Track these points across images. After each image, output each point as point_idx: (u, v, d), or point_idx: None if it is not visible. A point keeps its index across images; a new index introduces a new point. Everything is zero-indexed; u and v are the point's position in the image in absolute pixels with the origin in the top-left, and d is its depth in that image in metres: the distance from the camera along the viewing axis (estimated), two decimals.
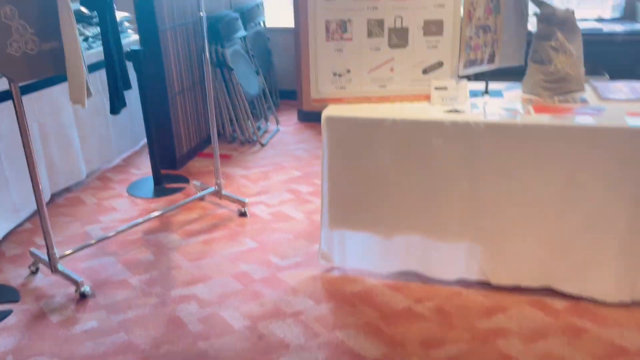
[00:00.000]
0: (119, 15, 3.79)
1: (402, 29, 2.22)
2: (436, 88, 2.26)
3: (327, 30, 2.22)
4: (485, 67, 2.32)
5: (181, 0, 3.50)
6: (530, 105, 2.20)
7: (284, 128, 4.42)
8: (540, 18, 2.24)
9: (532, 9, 2.33)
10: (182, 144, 3.65)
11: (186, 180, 3.43)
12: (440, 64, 2.27)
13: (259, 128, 4.33)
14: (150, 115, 3.21)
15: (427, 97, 2.29)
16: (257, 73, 4.32)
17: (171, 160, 3.58)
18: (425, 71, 2.28)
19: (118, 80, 2.41)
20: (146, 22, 3.23)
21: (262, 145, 4.03)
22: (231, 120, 4.07)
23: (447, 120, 2.09)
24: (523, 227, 2.15)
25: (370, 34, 2.22)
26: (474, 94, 2.37)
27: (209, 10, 3.90)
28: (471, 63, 2.27)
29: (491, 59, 2.32)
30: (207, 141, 4.04)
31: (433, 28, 2.22)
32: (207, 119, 4.04)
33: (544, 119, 2.05)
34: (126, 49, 2.97)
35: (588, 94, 2.33)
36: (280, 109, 4.95)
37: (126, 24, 3.84)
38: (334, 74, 2.27)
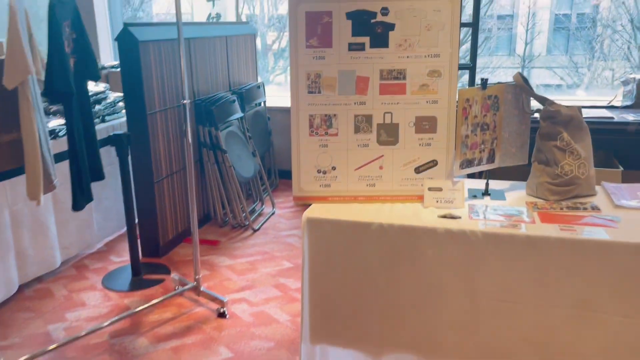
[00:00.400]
0: (114, 95, 3.73)
1: (392, 125, 2.05)
2: (430, 189, 2.05)
3: (311, 125, 2.05)
4: (484, 167, 2.12)
5: (174, 83, 3.43)
6: (535, 211, 1.97)
7: (280, 211, 4.22)
8: (544, 116, 2.06)
9: (534, 104, 2.16)
10: (168, 230, 3.45)
11: (167, 271, 3.20)
12: (434, 163, 2.08)
13: (253, 211, 4.14)
14: (132, 202, 3.04)
15: (420, 198, 2.07)
16: (254, 154, 4.19)
17: (154, 247, 3.36)
18: (418, 170, 2.08)
19: (83, 174, 2.25)
20: (134, 105, 3.13)
21: (254, 230, 3.82)
22: (223, 204, 3.89)
23: (441, 228, 1.86)
24: (528, 351, 1.85)
25: (357, 129, 2.05)
26: (473, 193, 2.15)
27: (205, 92, 3.83)
28: (468, 163, 2.07)
29: (491, 158, 2.13)
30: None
31: (426, 125, 2.05)
32: (197, 204, 3.86)
33: (551, 229, 1.81)
34: (118, 130, 2.85)
35: (600, 199, 2.10)
36: (279, 189, 4.78)
37: (121, 104, 3.77)
38: (318, 171, 2.08)
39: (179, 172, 3.59)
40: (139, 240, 3.35)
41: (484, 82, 2.00)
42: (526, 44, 6.97)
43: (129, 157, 2.99)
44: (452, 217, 1.92)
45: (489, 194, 2.15)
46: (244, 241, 3.64)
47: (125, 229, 3.82)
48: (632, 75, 3.90)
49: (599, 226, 1.83)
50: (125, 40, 3.02)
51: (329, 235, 1.97)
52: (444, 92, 2.02)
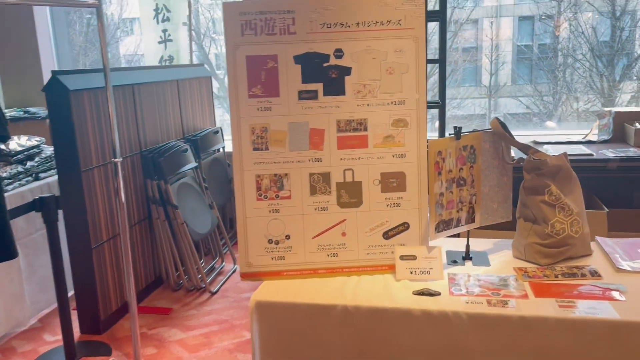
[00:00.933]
0: (51, 149, 3.35)
1: (354, 183, 1.74)
2: (402, 257, 1.73)
3: (259, 187, 1.73)
4: (463, 228, 1.82)
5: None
6: (526, 280, 1.67)
7: None
8: (528, 167, 1.78)
9: (515, 153, 1.89)
10: (110, 301, 3.04)
11: (108, 351, 2.77)
12: (405, 227, 1.77)
13: (212, 269, 3.75)
14: (63, 273, 2.63)
15: (391, 268, 1.75)
16: (211, 207, 3.83)
17: (94, 322, 2.93)
18: (387, 235, 1.77)
19: None
20: (67, 161, 2.76)
21: (212, 293, 3.42)
22: (176, 265, 3.50)
23: (418, 309, 1.53)
24: None
25: (313, 190, 1.74)
26: (452, 257, 1.85)
27: (154, 142, 3.49)
28: (445, 225, 1.77)
29: (470, 217, 1.83)
30: (146, 291, 3.43)
31: (393, 182, 1.75)
32: (147, 266, 3.46)
33: (548, 306, 1.51)
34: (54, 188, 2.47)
35: (597, 260, 1.81)
36: None
37: None
38: (270, 241, 1.75)
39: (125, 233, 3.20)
40: (76, 316, 2.93)
41: (458, 131, 1.72)
42: (491, 74, 7.22)
43: (60, 222, 2.61)
44: (430, 294, 1.60)
45: (471, 258, 1.85)
46: (199, 307, 3.24)
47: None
48: (607, 109, 3.73)
49: (603, 299, 1.53)
50: (55, 90, 2.68)
51: (283, 321, 1.62)
52: (412, 144, 1.73)
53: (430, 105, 3.82)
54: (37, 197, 2.48)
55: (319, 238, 1.75)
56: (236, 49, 1.67)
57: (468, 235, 1.86)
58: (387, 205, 1.75)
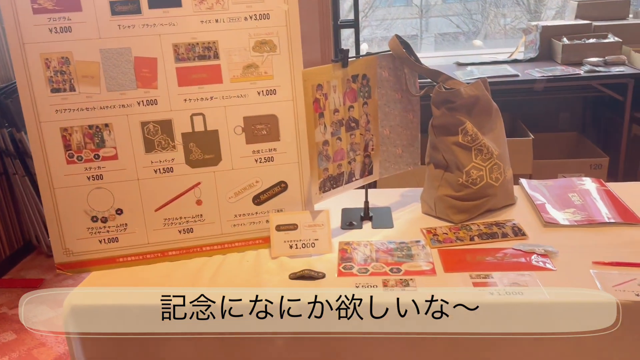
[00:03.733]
0: None
1: (208, 133, 1.27)
2: (278, 228, 1.31)
3: (68, 145, 1.22)
4: (357, 183, 1.41)
5: None
6: (435, 246, 1.30)
7: None
8: (436, 100, 1.37)
9: (422, 82, 1.47)
10: None
11: None
12: (282, 187, 1.34)
13: None
14: None
15: (267, 241, 1.34)
16: None
17: None
18: (258, 200, 1.33)
19: None
20: None
21: None
22: (46, 227, 2.95)
23: (291, 308, 1.13)
24: None
25: (150, 146, 1.25)
26: (349, 218, 1.45)
27: (2, 79, 2.80)
28: (333, 181, 1.35)
29: (366, 169, 1.42)
30: (12, 260, 2.88)
31: (262, 129, 1.29)
32: (11, 230, 2.89)
33: (458, 283, 1.16)
34: None
35: (521, 211, 1.47)
36: None
37: None
38: (94, 219, 1.27)
39: None
40: None
41: (344, 55, 1.25)
42: None
43: None
44: (312, 277, 1.21)
45: (371, 218, 1.46)
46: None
47: None
48: (533, 24, 3.38)
49: (528, 269, 1.19)
50: None
51: (111, 329, 1.18)
52: (284, 75, 1.26)
53: (344, 24, 3.31)
54: None
55: (165, 210, 1.29)
56: None
57: (366, 192, 1.46)
58: (256, 161, 1.30)
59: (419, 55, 1.40)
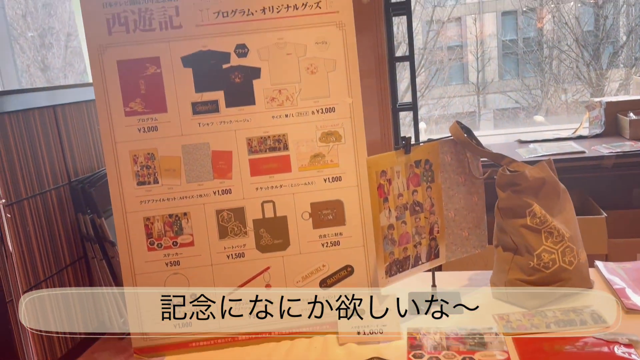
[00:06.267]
0: None
1: (277, 219, 1.33)
2: (343, 316, 1.31)
3: (149, 233, 1.31)
4: (423, 267, 1.41)
5: (35, 164, 2.66)
6: (509, 334, 1.25)
7: None
8: (501, 183, 1.37)
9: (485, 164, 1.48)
10: None
11: None
12: (348, 271, 1.36)
13: None
14: None
15: (334, 327, 1.33)
16: None
17: None
18: (325, 284, 1.35)
19: None
20: None
21: None
22: (119, 310, 3.06)
23: None
24: None
25: (224, 233, 1.32)
26: (416, 302, 1.43)
27: (88, 169, 3.07)
28: (399, 265, 1.36)
29: (433, 252, 1.42)
30: (86, 343, 2.99)
31: (328, 214, 1.34)
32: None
33: None
34: None
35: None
36: None
37: None
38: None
39: (54, 279, 2.78)
40: None
41: (406, 142, 1.31)
42: (478, 71, 6.99)
43: None
44: None
45: (439, 302, 1.43)
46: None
47: None
48: (597, 100, 3.34)
49: None
50: None
51: None
52: (349, 163, 1.32)
53: (402, 107, 3.43)
54: None
55: (236, 295, 1.33)
56: (102, 52, 1.25)
57: (433, 275, 1.44)
58: (323, 245, 1.34)
59: (478, 132, 1.43)
